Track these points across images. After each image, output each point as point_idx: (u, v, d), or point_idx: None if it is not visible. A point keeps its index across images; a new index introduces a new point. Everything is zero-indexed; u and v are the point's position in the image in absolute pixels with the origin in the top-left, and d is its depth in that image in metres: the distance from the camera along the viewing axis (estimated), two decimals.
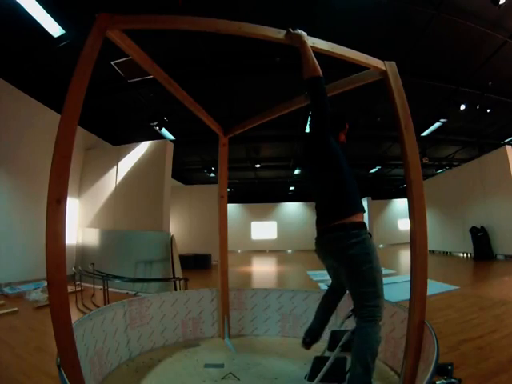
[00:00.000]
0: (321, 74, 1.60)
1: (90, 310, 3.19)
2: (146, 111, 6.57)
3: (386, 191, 17.61)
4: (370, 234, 1.66)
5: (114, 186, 6.52)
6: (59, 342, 1.24)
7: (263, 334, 2.85)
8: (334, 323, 2.53)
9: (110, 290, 4.12)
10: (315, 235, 1.78)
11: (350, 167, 1.75)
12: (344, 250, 1.58)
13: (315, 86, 1.61)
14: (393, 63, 1.84)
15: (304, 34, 1.63)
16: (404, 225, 16.16)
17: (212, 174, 11.44)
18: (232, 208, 15.80)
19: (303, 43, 1.61)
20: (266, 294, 2.95)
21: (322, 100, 1.61)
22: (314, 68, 1.60)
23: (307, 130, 7.00)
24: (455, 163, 11.36)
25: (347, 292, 1.94)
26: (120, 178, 6.50)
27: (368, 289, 1.56)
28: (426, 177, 11.90)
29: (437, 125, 7.41)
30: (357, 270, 1.57)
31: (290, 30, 1.62)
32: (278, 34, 1.63)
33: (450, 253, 10.53)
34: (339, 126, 1.88)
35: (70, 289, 4.31)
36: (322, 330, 2.02)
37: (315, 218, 1.80)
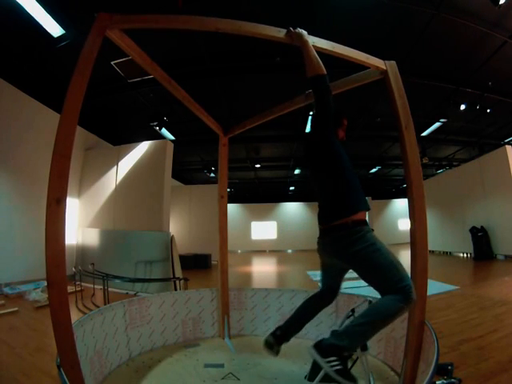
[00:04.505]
0: (325, 71, 1.59)
1: (90, 310, 3.19)
2: (146, 111, 6.57)
3: (386, 191, 17.60)
4: (372, 229, 1.61)
5: (113, 186, 6.51)
6: (59, 342, 1.24)
7: (263, 334, 2.84)
8: (334, 323, 2.53)
9: (110, 289, 4.11)
10: (317, 235, 1.76)
11: (352, 165, 1.72)
12: (349, 248, 1.55)
13: (320, 84, 1.58)
14: (393, 63, 1.84)
15: (304, 32, 1.62)
16: (404, 225, 16.16)
17: (212, 174, 11.43)
18: (232, 208, 15.79)
19: (304, 42, 1.60)
20: (266, 293, 2.95)
21: (327, 98, 1.58)
22: (318, 66, 1.58)
23: (308, 129, 6.97)
24: (455, 163, 11.36)
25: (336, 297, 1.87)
26: (120, 178, 6.49)
27: (388, 274, 1.47)
28: (425, 177, 11.90)
29: (437, 125, 7.41)
30: (369, 263, 1.51)
31: (291, 29, 1.61)
32: (279, 33, 1.63)
33: (450, 253, 10.52)
34: (336, 122, 1.79)
35: (70, 289, 4.31)
36: (295, 332, 1.85)
37: (317, 217, 1.77)
